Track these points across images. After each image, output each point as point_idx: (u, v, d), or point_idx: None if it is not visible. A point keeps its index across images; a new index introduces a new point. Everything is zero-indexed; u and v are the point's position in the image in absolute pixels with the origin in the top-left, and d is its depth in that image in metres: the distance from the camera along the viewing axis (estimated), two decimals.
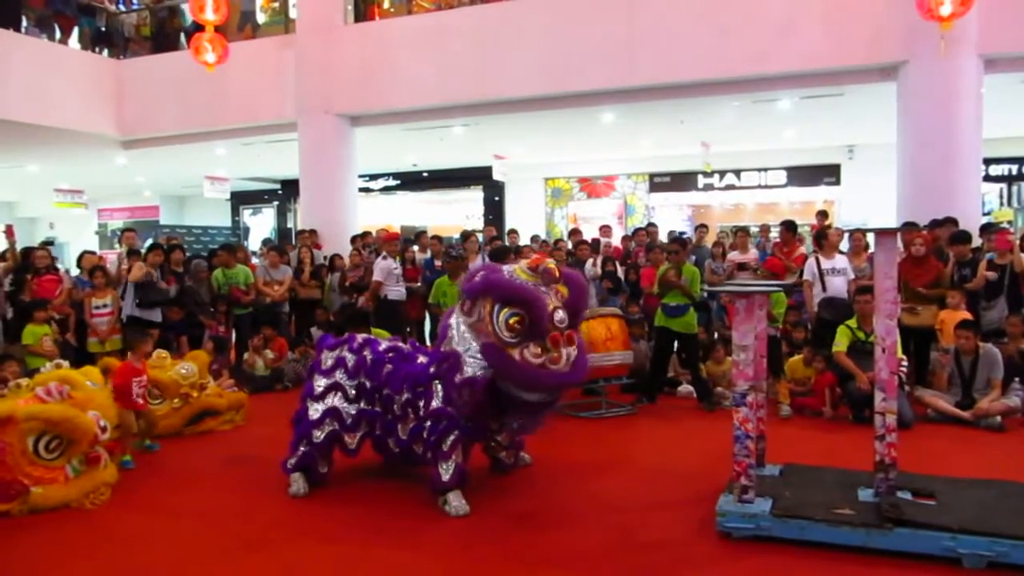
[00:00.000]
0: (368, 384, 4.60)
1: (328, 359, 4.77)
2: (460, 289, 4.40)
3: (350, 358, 4.71)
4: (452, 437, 4.27)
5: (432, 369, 4.38)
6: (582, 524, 4.10)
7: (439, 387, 4.32)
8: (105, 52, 12.49)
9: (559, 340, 4.04)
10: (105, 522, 4.31)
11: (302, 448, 4.66)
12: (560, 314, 4.08)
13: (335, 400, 4.65)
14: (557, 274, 4.22)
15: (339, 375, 4.69)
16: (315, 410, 4.67)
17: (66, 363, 5.73)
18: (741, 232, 9.15)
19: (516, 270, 4.23)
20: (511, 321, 4.03)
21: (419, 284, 9.03)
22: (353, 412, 4.62)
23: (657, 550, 3.76)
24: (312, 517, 4.30)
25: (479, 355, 4.14)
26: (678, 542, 3.84)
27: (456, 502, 4.27)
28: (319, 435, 4.62)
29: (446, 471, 4.27)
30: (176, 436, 6.09)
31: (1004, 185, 14.74)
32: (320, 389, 4.70)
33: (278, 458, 5.36)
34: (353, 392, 4.64)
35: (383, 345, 4.80)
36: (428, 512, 4.32)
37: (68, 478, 4.55)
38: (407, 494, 4.64)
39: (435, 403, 4.32)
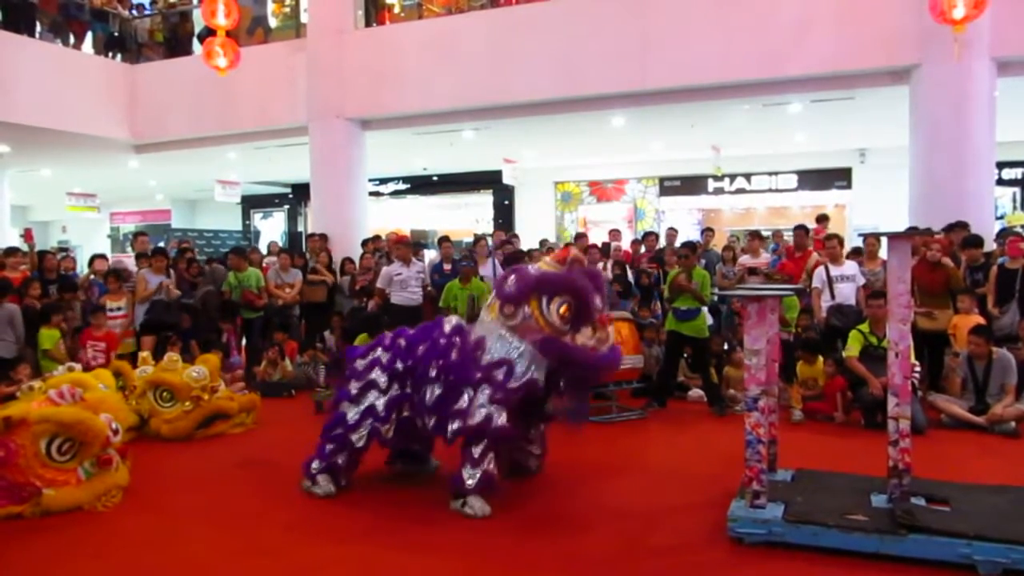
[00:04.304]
0: (402, 367, 4.58)
1: (361, 364, 4.76)
2: (498, 295, 4.42)
3: (384, 355, 4.71)
4: (483, 445, 4.26)
5: (479, 375, 4.33)
6: (592, 528, 4.09)
7: (485, 391, 4.28)
8: (118, 57, 12.58)
9: (605, 321, 4.31)
10: (116, 524, 4.32)
11: (335, 454, 4.65)
12: (598, 299, 4.30)
13: (371, 398, 4.63)
14: (585, 263, 4.45)
15: (374, 373, 4.67)
16: (354, 413, 4.65)
17: (79, 366, 5.76)
18: (754, 237, 9.12)
19: (542, 265, 4.45)
20: (561, 311, 4.20)
21: (429, 288, 9.04)
22: (386, 401, 4.59)
23: (668, 555, 3.74)
24: (323, 520, 4.30)
25: (525, 357, 4.24)
26: (689, 547, 3.82)
27: (478, 504, 4.26)
28: (358, 437, 4.61)
29: (471, 477, 4.26)
30: (187, 439, 6.12)
31: (1017, 189, 14.62)
32: (356, 391, 4.68)
33: (289, 461, 5.37)
34: (385, 381, 4.61)
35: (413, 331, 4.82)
36: (438, 515, 4.32)
37: (80, 480, 4.56)
38: (417, 497, 4.64)
39: (480, 400, 4.27)
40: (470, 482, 4.25)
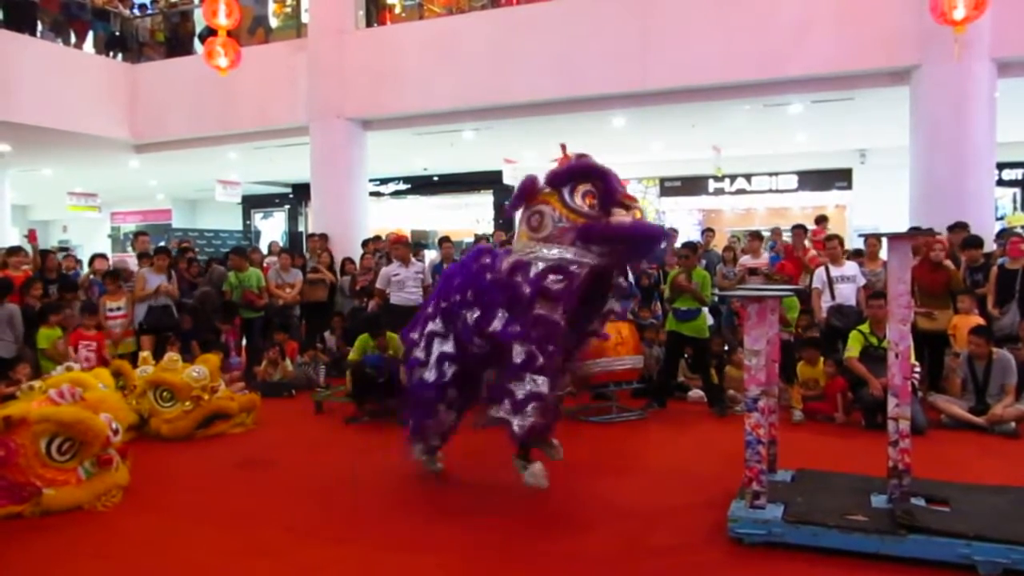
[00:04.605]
0: (446, 304, 4.51)
1: (414, 334, 4.72)
2: (510, 204, 4.34)
3: (429, 308, 4.69)
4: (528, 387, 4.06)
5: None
6: (592, 528, 4.09)
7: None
8: (119, 57, 12.59)
9: (632, 197, 4.19)
10: (116, 524, 4.33)
11: (424, 427, 4.61)
12: (615, 179, 4.18)
13: (437, 346, 4.51)
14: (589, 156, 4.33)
15: (430, 325, 4.59)
16: (430, 372, 4.52)
17: (78, 366, 5.77)
18: (754, 237, 9.13)
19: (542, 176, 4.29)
20: (587, 200, 4.08)
21: (429, 287, 9.03)
22: (451, 341, 4.49)
23: (667, 555, 3.74)
24: (323, 520, 4.30)
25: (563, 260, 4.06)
26: (689, 548, 3.82)
27: (536, 470, 4.24)
28: (445, 382, 4.45)
29: (520, 426, 4.09)
30: (187, 439, 6.12)
31: (1017, 189, 14.63)
32: (421, 355, 4.58)
33: (289, 461, 5.39)
34: (442, 326, 4.53)
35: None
36: (438, 514, 4.32)
37: (80, 480, 4.57)
38: (417, 496, 4.65)
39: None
40: (516, 428, 4.11)
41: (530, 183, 4.26)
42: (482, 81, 10.09)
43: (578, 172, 4.14)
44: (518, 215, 4.42)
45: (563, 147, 4.48)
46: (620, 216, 4.06)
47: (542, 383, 4.11)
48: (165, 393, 6.24)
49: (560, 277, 4.05)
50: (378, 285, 8.43)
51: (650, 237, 4.17)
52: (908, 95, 8.70)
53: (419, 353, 4.60)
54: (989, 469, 4.95)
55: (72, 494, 4.48)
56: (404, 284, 8.29)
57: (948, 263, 7.09)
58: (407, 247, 8.75)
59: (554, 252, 4.10)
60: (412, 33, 11.00)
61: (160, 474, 5.23)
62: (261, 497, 4.75)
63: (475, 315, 4.26)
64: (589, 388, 6.98)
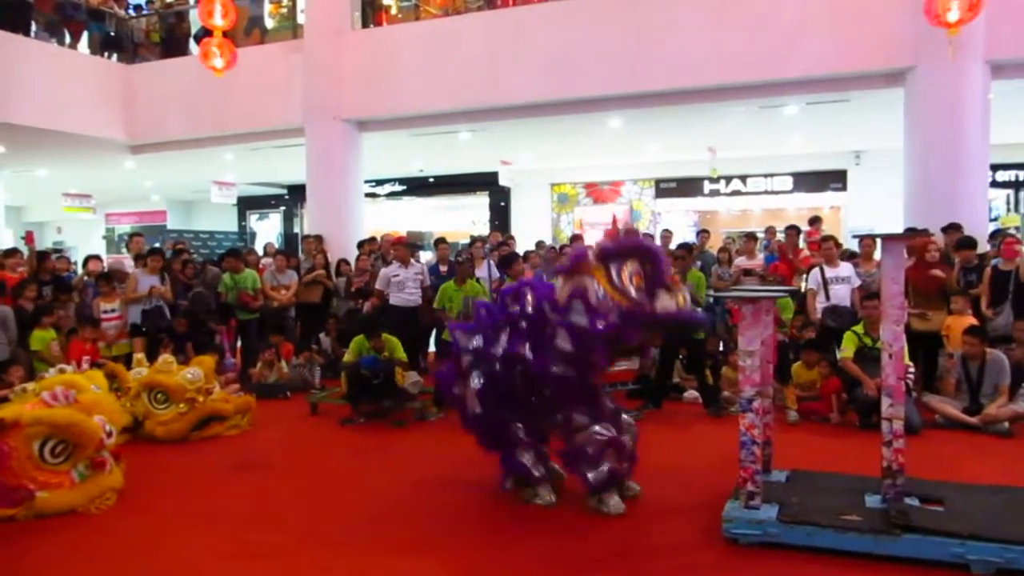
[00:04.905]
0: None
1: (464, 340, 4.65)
2: (559, 271, 4.31)
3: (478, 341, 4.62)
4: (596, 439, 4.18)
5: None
6: (587, 529, 4.09)
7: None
8: (114, 57, 12.56)
9: (678, 281, 4.20)
10: (110, 527, 4.31)
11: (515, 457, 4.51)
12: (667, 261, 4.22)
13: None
14: (640, 232, 4.40)
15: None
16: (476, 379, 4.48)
17: (70, 368, 5.75)
18: (749, 238, 9.17)
19: (592, 249, 4.27)
20: (634, 280, 4.06)
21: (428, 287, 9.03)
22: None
23: (663, 556, 3.75)
24: (318, 523, 4.30)
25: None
26: (684, 548, 3.82)
27: (613, 504, 4.25)
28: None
29: (597, 479, 4.21)
30: (182, 441, 6.10)
31: (1011, 191, 14.67)
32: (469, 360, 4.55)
33: (284, 463, 5.38)
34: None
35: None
36: (433, 516, 4.32)
37: (74, 483, 4.55)
38: (412, 498, 4.64)
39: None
40: (593, 480, 4.22)
41: (583, 255, 4.21)
42: (478, 82, 10.09)
43: (628, 251, 4.11)
44: (559, 281, 4.34)
45: (614, 218, 4.52)
46: (664, 301, 4.06)
47: (606, 428, 4.22)
48: (160, 395, 6.22)
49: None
50: (377, 286, 8.42)
51: (690, 325, 4.27)
52: (903, 97, 8.73)
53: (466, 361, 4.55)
54: (983, 469, 4.97)
55: (66, 497, 4.47)
56: (404, 285, 8.29)
57: (938, 272, 7.07)
58: (406, 248, 8.75)
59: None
60: (408, 34, 11.00)
61: (155, 477, 5.21)
62: (256, 499, 4.75)
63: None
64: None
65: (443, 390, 5.00)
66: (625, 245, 4.13)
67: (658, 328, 4.15)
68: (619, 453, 4.28)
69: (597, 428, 4.23)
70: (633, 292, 4.04)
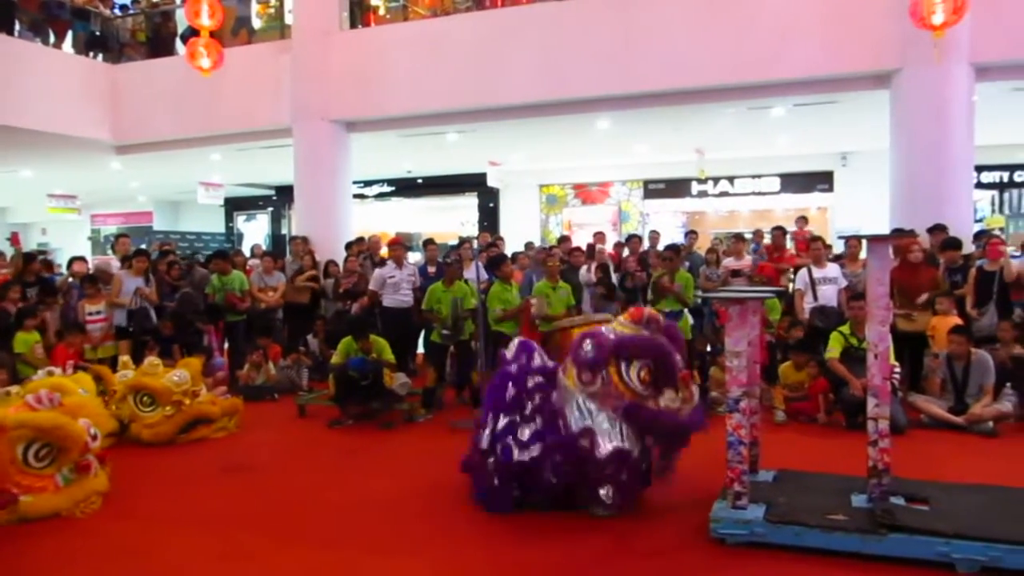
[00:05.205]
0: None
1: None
2: (575, 362, 4.31)
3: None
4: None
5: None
6: (576, 530, 4.09)
7: None
8: (100, 57, 12.45)
9: (688, 378, 4.25)
10: (96, 531, 4.28)
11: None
12: (679, 358, 4.24)
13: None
14: (662, 321, 4.38)
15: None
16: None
17: (58, 371, 5.70)
18: (738, 239, 9.22)
19: (616, 326, 4.36)
20: (642, 375, 4.14)
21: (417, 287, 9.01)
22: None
23: (650, 556, 3.75)
24: (306, 525, 4.28)
25: (608, 423, 4.17)
26: (672, 548, 3.83)
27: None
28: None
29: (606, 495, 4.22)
30: (169, 444, 6.06)
31: (996, 192, 14.82)
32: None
33: (272, 466, 5.35)
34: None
35: None
36: (422, 518, 4.31)
37: (58, 487, 4.51)
38: (401, 500, 4.63)
39: None
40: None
41: (606, 353, 4.21)
42: (466, 83, 10.08)
43: (641, 349, 4.18)
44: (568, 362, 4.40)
45: (639, 309, 4.53)
46: (669, 399, 4.14)
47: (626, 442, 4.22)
48: (146, 398, 6.17)
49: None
50: (372, 287, 8.37)
51: (688, 432, 4.27)
52: (888, 99, 8.80)
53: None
54: (968, 468, 5.01)
55: (50, 501, 4.42)
56: (399, 287, 8.27)
57: (923, 298, 7.10)
58: (403, 248, 8.72)
59: (594, 413, 4.21)
60: (396, 35, 10.96)
61: (141, 480, 5.17)
62: (244, 502, 4.72)
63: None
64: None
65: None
66: (640, 344, 4.19)
67: (656, 429, 4.19)
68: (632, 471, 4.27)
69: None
70: (639, 387, 4.15)
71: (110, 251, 15.88)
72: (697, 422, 4.27)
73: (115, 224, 21.12)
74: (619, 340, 4.23)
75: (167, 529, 4.26)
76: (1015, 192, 14.92)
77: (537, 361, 4.60)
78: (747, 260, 8.98)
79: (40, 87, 10.97)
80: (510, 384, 4.49)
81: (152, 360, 6.57)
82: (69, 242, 20.02)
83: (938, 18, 7.32)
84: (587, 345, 4.25)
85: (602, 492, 4.20)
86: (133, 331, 7.95)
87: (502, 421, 4.41)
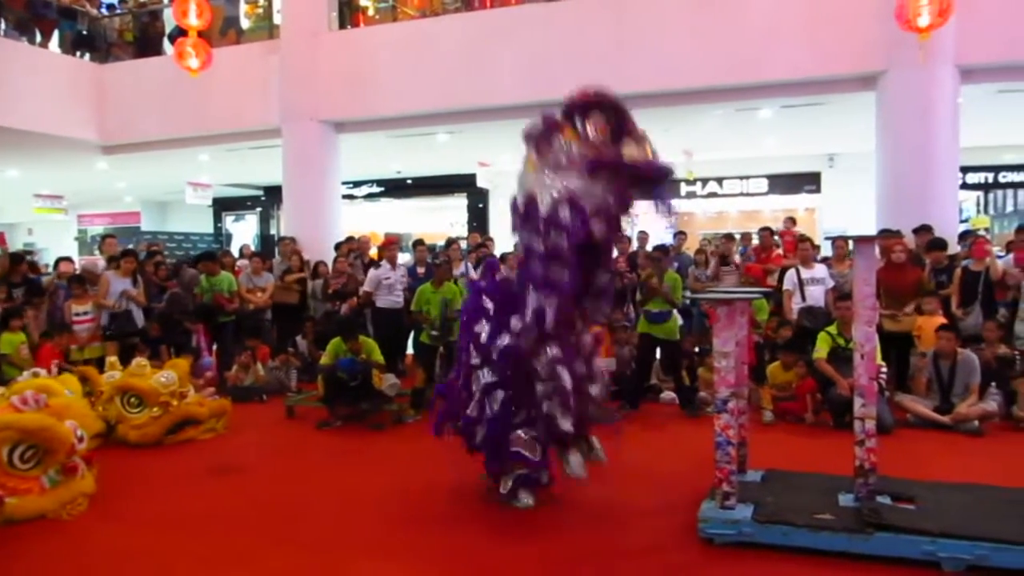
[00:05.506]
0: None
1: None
2: (527, 139, 4.26)
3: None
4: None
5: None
6: (565, 529, 4.10)
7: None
8: (87, 56, 12.37)
9: (645, 135, 4.10)
10: (82, 533, 4.25)
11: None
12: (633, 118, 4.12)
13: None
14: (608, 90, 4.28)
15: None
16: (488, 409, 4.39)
17: (43, 372, 5.66)
18: (727, 238, 9.36)
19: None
20: (599, 130, 4.04)
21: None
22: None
23: (639, 556, 3.76)
24: (294, 527, 4.26)
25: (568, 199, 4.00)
26: (660, 548, 3.84)
27: (574, 462, 4.25)
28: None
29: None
30: (156, 445, 6.02)
31: (981, 193, 14.97)
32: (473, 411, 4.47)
33: (260, 467, 5.32)
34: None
35: None
36: (410, 519, 4.31)
37: (44, 489, 4.47)
38: (389, 501, 4.62)
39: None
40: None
41: (551, 119, 4.17)
42: (456, 84, 10.07)
43: (592, 103, 4.08)
44: (529, 157, 4.30)
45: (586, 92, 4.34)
46: (630, 149, 4.02)
47: (562, 375, 4.14)
48: (133, 399, 6.13)
49: (568, 212, 3.99)
50: (367, 288, 8.35)
51: (658, 173, 4.11)
52: (875, 100, 8.86)
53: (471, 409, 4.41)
54: (953, 467, 5.05)
55: (36, 503, 4.39)
56: (393, 287, 8.26)
57: (909, 310, 7.08)
58: (398, 249, 8.72)
59: (560, 183, 4.03)
60: (385, 35, 10.95)
61: (128, 481, 5.14)
62: (232, 504, 4.70)
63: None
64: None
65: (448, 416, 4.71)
66: (589, 98, 4.10)
67: (624, 175, 4.03)
68: (564, 402, 4.19)
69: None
70: (598, 139, 4.03)
71: (97, 252, 15.77)
72: (666, 168, 4.12)
73: (102, 224, 20.98)
74: (569, 100, 4.16)
75: (154, 531, 4.23)
76: (1000, 193, 15.09)
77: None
78: (736, 260, 9.06)
79: (26, 86, 10.88)
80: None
81: (139, 361, 6.53)
82: (55, 242, 19.86)
83: (923, 20, 7.40)
84: (535, 122, 4.20)
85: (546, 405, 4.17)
86: (114, 333, 7.89)
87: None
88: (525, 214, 4.20)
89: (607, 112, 4.07)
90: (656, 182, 4.13)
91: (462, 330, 4.65)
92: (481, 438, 4.39)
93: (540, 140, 4.17)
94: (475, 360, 4.41)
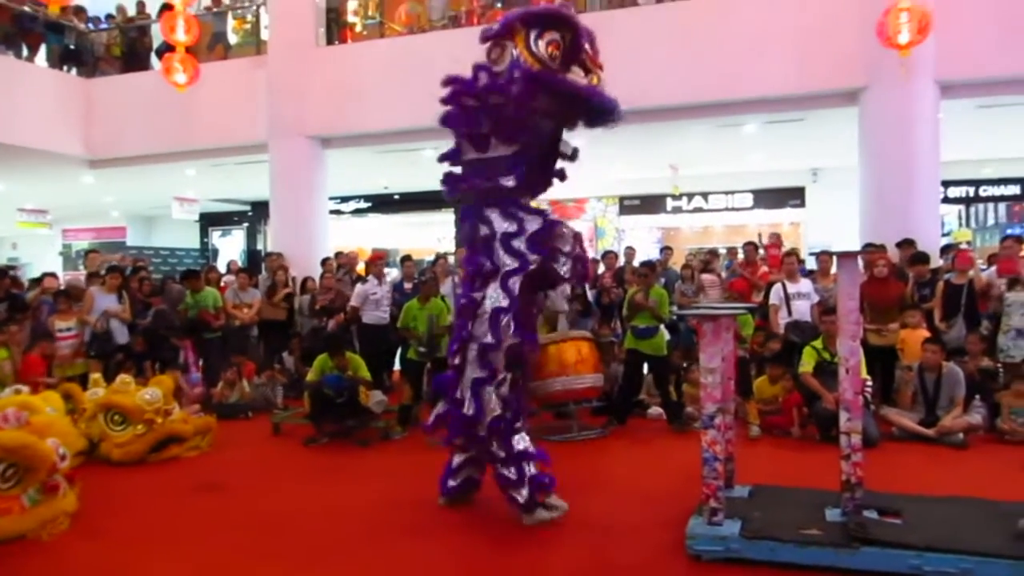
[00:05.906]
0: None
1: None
2: (483, 38, 4.27)
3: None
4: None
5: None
6: (552, 546, 4.08)
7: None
8: (73, 71, 12.33)
9: (597, 62, 4.02)
10: (63, 552, 4.19)
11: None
12: (586, 39, 4.05)
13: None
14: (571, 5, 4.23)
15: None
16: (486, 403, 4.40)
17: (26, 388, 5.59)
18: (712, 255, 9.42)
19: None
20: (549, 48, 3.97)
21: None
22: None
23: (627, 572, 3.75)
24: (280, 543, 4.22)
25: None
26: (648, 564, 3.83)
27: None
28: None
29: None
30: (140, 463, 5.95)
31: (962, 206, 15.15)
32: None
33: (245, 485, 5.28)
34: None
35: None
36: (398, 533, 4.28)
37: (24, 508, 4.41)
38: (376, 518, 4.58)
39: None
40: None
41: (511, 21, 4.12)
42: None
43: (550, 18, 4.01)
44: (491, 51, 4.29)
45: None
46: (576, 75, 3.96)
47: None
48: (116, 416, 6.06)
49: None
50: (354, 303, 8.31)
51: (600, 106, 4.05)
52: (857, 116, 8.98)
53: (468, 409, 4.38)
54: (939, 480, 5.07)
55: (16, 523, 4.32)
56: (380, 303, 8.24)
57: (893, 327, 7.11)
58: (384, 264, 8.70)
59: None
60: (373, 51, 10.98)
61: (111, 500, 5.08)
62: (217, 521, 4.65)
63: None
64: (549, 407, 6.99)
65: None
66: (548, 12, 4.03)
67: (563, 98, 4.00)
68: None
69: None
70: (546, 58, 3.98)
71: (81, 266, 15.63)
72: (608, 98, 4.05)
73: (87, 239, 20.80)
74: (522, 13, 4.09)
75: (138, 550, 4.18)
76: (981, 206, 15.29)
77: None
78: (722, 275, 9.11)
79: (12, 100, 10.82)
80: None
81: (123, 378, 6.46)
82: (39, 257, 19.68)
83: (904, 37, 7.52)
84: (494, 24, 4.16)
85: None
86: (95, 354, 7.81)
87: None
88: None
89: (563, 31, 4.00)
90: (597, 113, 4.09)
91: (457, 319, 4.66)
92: (487, 447, 4.36)
93: (493, 43, 4.15)
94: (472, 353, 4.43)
